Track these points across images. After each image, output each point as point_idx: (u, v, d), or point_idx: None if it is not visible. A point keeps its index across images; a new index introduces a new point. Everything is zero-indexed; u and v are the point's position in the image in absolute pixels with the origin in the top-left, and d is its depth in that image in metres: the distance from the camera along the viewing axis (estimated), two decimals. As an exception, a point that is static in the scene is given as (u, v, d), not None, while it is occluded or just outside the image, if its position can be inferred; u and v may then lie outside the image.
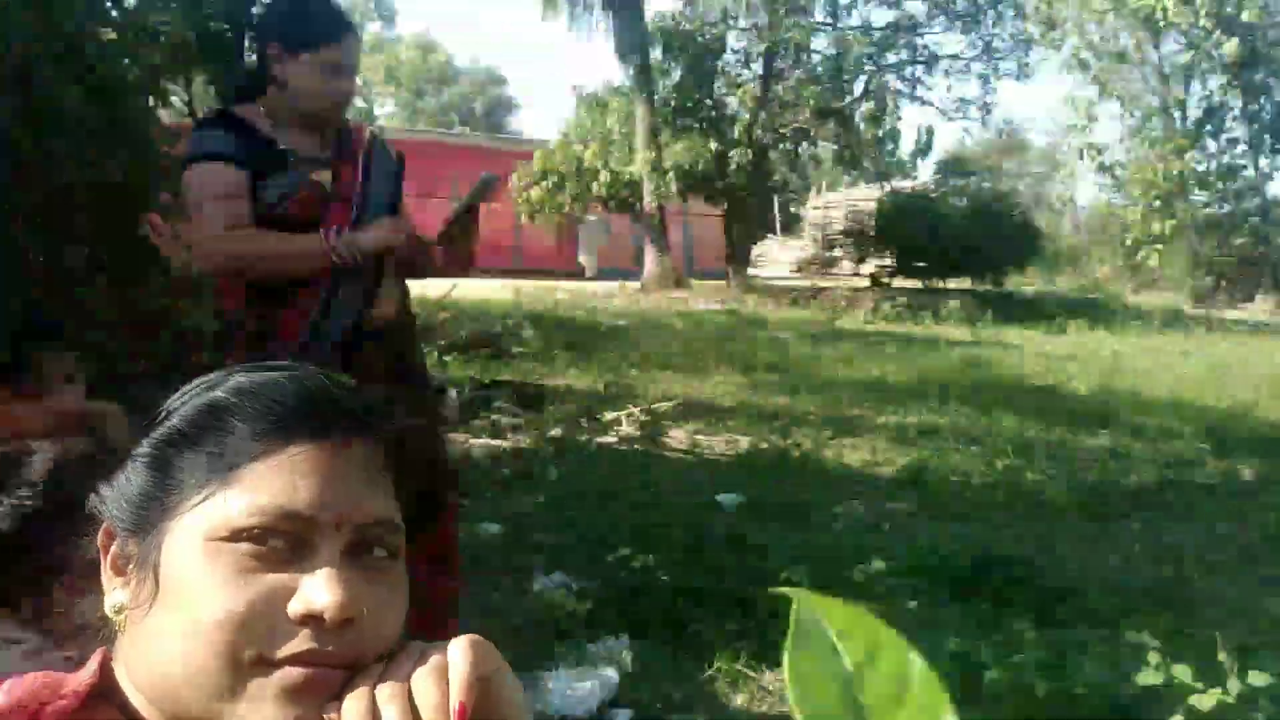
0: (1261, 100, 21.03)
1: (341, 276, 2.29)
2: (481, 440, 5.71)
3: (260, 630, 0.59)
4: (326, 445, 0.66)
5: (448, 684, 0.59)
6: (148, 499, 0.64)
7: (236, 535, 0.61)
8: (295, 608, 0.60)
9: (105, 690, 0.63)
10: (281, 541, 0.62)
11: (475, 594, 3.33)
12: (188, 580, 0.61)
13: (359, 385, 0.73)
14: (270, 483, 0.63)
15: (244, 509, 0.62)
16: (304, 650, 0.60)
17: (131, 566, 0.63)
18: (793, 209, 23.09)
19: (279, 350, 2.28)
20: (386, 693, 0.59)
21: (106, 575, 0.65)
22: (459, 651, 0.61)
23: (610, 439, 5.90)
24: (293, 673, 0.59)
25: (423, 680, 0.59)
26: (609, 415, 6.38)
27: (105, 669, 0.64)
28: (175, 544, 0.62)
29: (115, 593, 0.64)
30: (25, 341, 2.26)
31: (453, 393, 6.51)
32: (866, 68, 18.48)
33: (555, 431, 5.97)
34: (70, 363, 2.30)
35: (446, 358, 7.84)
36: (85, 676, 0.63)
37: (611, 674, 2.77)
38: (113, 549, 0.65)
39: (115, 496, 0.65)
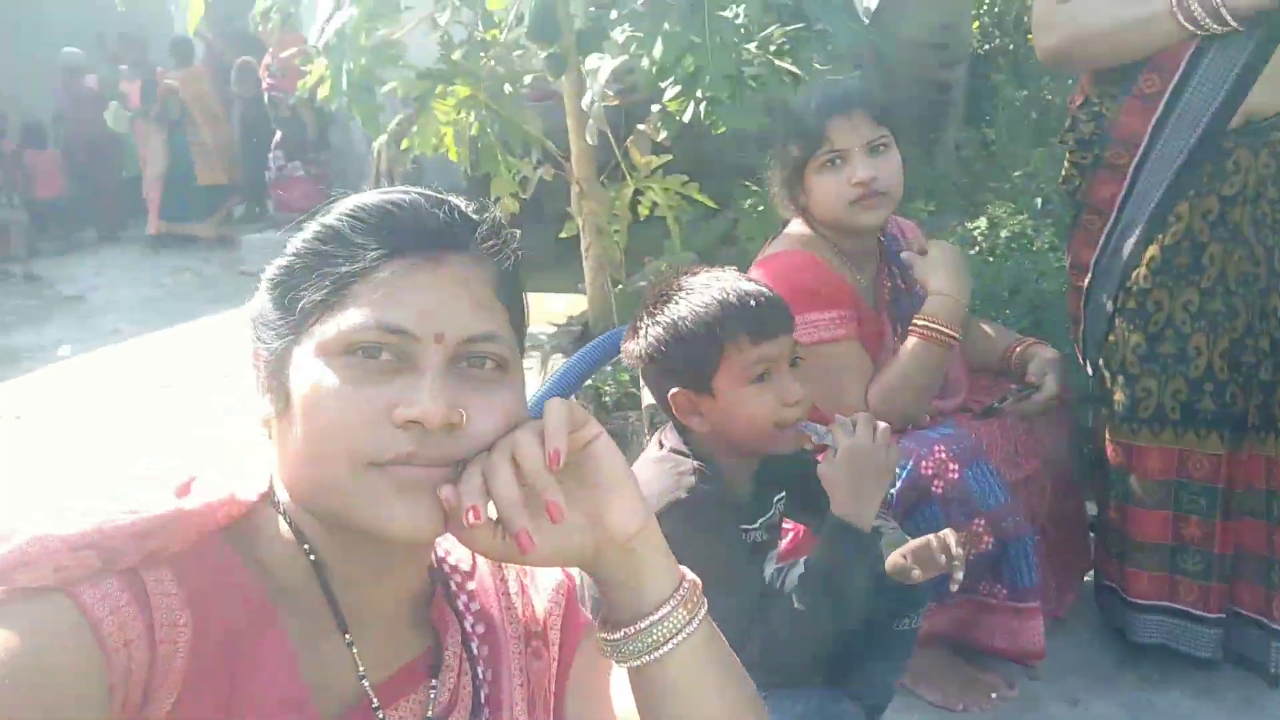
0: None
1: (1208, 46, 1.68)
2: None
3: (370, 436, 0.66)
4: (426, 263, 0.70)
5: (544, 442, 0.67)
6: (276, 322, 0.72)
7: (346, 349, 0.68)
8: (398, 415, 0.66)
9: (268, 498, 0.73)
10: (389, 354, 0.68)
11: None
12: (306, 393, 0.68)
13: (475, 205, 0.74)
14: (373, 300, 0.68)
15: (350, 325, 0.68)
16: (408, 452, 0.66)
17: (273, 382, 0.71)
18: None
19: (1122, 151, 1.81)
20: (494, 459, 0.67)
21: (258, 390, 0.73)
22: (550, 410, 0.69)
23: None
24: (401, 471, 0.66)
25: (521, 441, 0.67)
26: None
27: (270, 478, 0.73)
28: (297, 360, 0.70)
29: (264, 406, 0.72)
30: None
31: None
32: None
33: None
34: None
35: None
36: (259, 486, 0.73)
37: None
38: (260, 367, 0.73)
39: (255, 322, 0.73)
